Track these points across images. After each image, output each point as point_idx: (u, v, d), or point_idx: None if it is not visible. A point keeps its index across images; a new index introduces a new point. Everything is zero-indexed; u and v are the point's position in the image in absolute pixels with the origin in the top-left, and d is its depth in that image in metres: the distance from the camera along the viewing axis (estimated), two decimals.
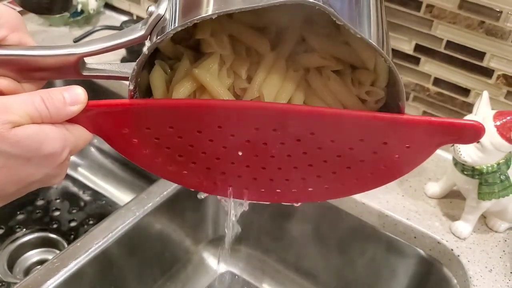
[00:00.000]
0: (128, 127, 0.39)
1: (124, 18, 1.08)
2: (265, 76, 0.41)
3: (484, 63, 0.72)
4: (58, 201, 0.98)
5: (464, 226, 0.68)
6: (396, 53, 0.79)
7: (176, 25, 0.34)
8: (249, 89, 0.40)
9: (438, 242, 0.68)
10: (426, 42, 0.76)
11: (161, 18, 0.36)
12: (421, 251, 0.70)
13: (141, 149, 0.41)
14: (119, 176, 1.03)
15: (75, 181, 1.02)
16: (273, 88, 0.40)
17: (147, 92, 0.42)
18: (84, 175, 1.04)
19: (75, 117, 0.37)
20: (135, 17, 1.07)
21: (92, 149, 1.06)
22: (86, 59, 0.40)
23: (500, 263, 0.65)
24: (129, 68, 0.39)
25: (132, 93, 0.38)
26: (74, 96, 0.36)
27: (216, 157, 0.42)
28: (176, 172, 0.43)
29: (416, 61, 0.78)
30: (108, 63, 0.41)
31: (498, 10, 0.68)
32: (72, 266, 0.64)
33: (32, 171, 0.35)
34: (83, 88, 0.37)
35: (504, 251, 0.67)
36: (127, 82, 0.38)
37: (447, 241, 0.68)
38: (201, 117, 0.38)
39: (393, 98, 0.39)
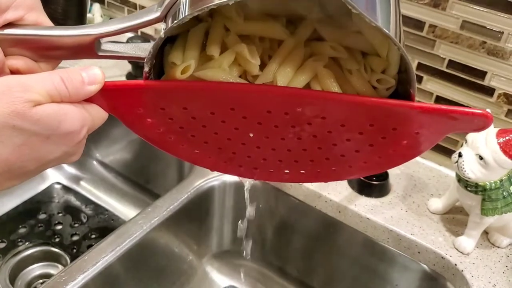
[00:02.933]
0: (143, 107, 0.40)
1: (129, 34, 1.09)
2: (281, 61, 0.41)
3: (485, 82, 0.74)
4: (60, 215, 0.98)
5: (467, 242, 0.69)
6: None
7: (192, 9, 0.34)
8: (263, 73, 0.41)
9: (442, 257, 0.69)
10: (429, 61, 0.78)
11: (176, 1, 0.36)
12: (425, 266, 0.71)
13: (155, 128, 0.42)
14: (122, 190, 1.04)
15: (77, 195, 1.03)
16: (288, 74, 0.40)
17: (161, 72, 0.43)
18: (87, 189, 1.04)
19: (92, 97, 0.37)
20: (139, 33, 1.08)
21: (95, 163, 1.06)
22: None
23: (503, 278, 0.66)
24: (143, 50, 0.40)
25: (147, 74, 0.39)
26: (92, 76, 0.37)
27: (228, 137, 0.42)
28: (188, 151, 0.44)
29: (419, 79, 0.79)
30: (123, 43, 0.42)
31: (499, 31, 0.70)
32: (80, 280, 0.65)
33: (51, 149, 0.36)
34: (100, 68, 0.37)
35: (507, 266, 0.68)
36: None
37: (450, 256, 0.69)
38: (214, 99, 0.39)
39: (404, 85, 0.40)
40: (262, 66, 0.41)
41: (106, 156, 1.06)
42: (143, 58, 0.39)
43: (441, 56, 0.76)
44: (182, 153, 0.45)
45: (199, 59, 0.42)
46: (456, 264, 0.68)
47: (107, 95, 0.38)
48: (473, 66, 0.74)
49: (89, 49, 0.40)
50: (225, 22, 0.42)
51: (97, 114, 0.38)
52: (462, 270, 0.67)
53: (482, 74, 0.74)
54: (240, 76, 0.42)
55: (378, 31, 0.35)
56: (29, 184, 1.01)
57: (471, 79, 0.75)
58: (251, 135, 0.42)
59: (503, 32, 0.70)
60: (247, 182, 0.69)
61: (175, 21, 0.36)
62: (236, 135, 0.42)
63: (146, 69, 0.38)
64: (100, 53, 0.41)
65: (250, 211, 0.70)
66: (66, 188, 1.03)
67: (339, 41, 0.41)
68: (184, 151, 0.45)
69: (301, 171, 0.46)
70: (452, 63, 0.76)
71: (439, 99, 0.79)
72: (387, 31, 0.34)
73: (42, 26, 0.40)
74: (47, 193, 1.02)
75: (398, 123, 0.39)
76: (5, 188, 0.37)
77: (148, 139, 0.43)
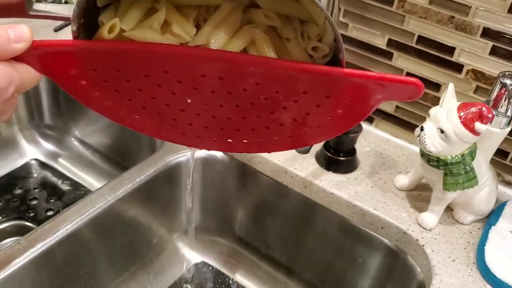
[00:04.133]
0: (75, 68, 0.40)
1: None
2: (216, 25, 0.41)
3: (454, 58, 0.74)
4: (36, 190, 0.99)
5: (430, 217, 0.69)
6: (370, 48, 0.80)
7: None
8: (197, 35, 0.41)
9: (404, 232, 0.69)
10: (399, 37, 0.77)
11: None
12: (388, 241, 0.71)
13: (90, 91, 0.41)
14: (99, 167, 1.04)
15: (54, 171, 1.03)
16: (222, 38, 0.40)
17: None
18: (64, 165, 1.04)
19: (22, 56, 0.37)
20: None
21: (73, 140, 1.06)
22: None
23: (464, 253, 0.66)
24: None
25: (76, 34, 0.38)
26: (19, 34, 0.36)
27: (166, 103, 0.42)
28: (128, 117, 0.44)
29: (389, 55, 0.79)
30: (56, 4, 0.42)
31: (467, 5, 0.69)
32: (39, 247, 0.65)
33: None
34: (28, 26, 0.37)
35: (468, 242, 0.68)
36: None
37: (413, 231, 0.69)
38: (145, 61, 0.39)
39: (336, 52, 0.40)
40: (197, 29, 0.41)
41: (84, 134, 1.06)
42: None
43: (411, 31, 0.75)
44: (123, 119, 0.45)
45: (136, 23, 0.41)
46: (417, 240, 0.68)
47: (37, 54, 0.38)
48: (442, 42, 0.74)
49: (20, 8, 0.40)
50: None
51: (27, 74, 0.38)
52: (423, 245, 0.67)
53: (451, 50, 0.73)
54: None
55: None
56: (6, 160, 1.02)
57: (440, 55, 0.74)
58: (189, 101, 0.42)
59: (470, 7, 0.69)
60: (192, 151, 0.69)
61: None
62: (174, 100, 0.42)
63: (74, 28, 0.38)
64: (32, 13, 0.41)
65: (188, 183, 0.70)
66: (43, 165, 1.04)
67: (276, 10, 0.41)
68: (125, 117, 0.45)
69: (244, 141, 0.46)
70: (421, 39, 0.75)
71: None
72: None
73: None
74: (24, 169, 1.02)
75: (330, 91, 0.39)
76: None
77: (86, 103, 0.43)
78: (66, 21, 0.41)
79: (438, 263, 0.64)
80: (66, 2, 1.03)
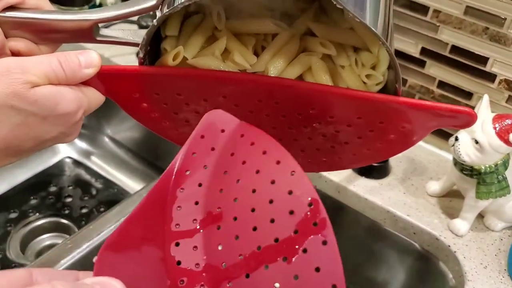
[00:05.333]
0: (139, 92, 0.41)
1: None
2: (274, 53, 0.42)
3: (487, 68, 0.75)
4: (70, 188, 1.01)
5: (461, 224, 0.71)
6: (403, 56, 0.81)
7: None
8: (256, 63, 0.42)
9: (436, 238, 0.71)
10: (432, 46, 0.78)
11: None
12: (420, 247, 0.73)
13: (150, 113, 0.43)
14: (131, 165, 1.07)
15: (87, 169, 1.06)
16: (280, 65, 0.41)
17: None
18: (97, 163, 1.07)
19: (89, 80, 0.39)
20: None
21: (105, 139, 1.09)
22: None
23: (495, 260, 0.68)
24: (140, 36, 0.41)
25: (142, 60, 0.40)
26: (89, 60, 0.38)
27: None
28: (183, 136, 0.45)
29: (422, 63, 0.80)
30: (121, 29, 0.43)
31: (502, 17, 0.71)
32: (85, 248, 0.68)
33: (48, 129, 0.38)
34: (97, 52, 0.39)
35: (499, 249, 0.69)
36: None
37: (445, 237, 0.70)
38: (205, 86, 0.40)
39: (392, 81, 0.41)
40: (256, 56, 0.42)
41: (116, 133, 1.08)
42: (138, 44, 0.40)
43: (444, 41, 0.77)
44: (177, 138, 0.47)
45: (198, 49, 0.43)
46: (449, 246, 0.69)
47: (103, 78, 0.40)
48: (475, 52, 0.75)
49: (87, 34, 0.41)
50: (213, 19, 0.43)
51: (94, 97, 0.40)
52: (455, 252, 0.69)
53: (484, 60, 0.75)
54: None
55: (367, 28, 0.35)
56: (40, 158, 1.05)
57: (473, 64, 0.76)
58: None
59: (505, 18, 0.70)
60: None
61: (168, 10, 0.37)
62: None
63: (141, 55, 0.40)
64: (98, 38, 0.42)
65: None
66: (77, 163, 1.07)
67: (330, 38, 0.42)
68: (179, 136, 0.46)
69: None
70: (455, 49, 0.76)
71: (442, 84, 0.80)
72: (369, 25, 0.35)
73: (42, 10, 0.41)
74: (58, 167, 1.05)
75: (384, 117, 0.40)
76: (2, 165, 0.38)
77: (144, 122, 0.45)
78: (131, 46, 0.43)
79: (470, 270, 0.66)
80: (100, 5, 1.06)
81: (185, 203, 0.36)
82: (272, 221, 0.32)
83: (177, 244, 0.36)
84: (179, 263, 0.36)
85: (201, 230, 0.36)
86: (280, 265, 0.31)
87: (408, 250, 0.74)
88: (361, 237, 0.78)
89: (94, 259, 0.31)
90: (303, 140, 0.44)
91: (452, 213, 0.74)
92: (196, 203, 0.36)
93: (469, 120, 0.38)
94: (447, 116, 0.38)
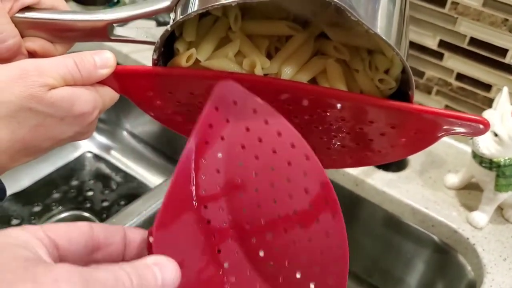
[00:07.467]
0: (152, 91, 0.42)
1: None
2: (288, 55, 0.42)
3: (506, 60, 0.75)
4: (91, 182, 1.03)
5: (480, 216, 0.71)
6: (421, 48, 0.81)
7: (200, 5, 0.36)
8: (269, 66, 0.42)
9: (455, 231, 0.71)
10: (450, 38, 0.78)
11: None
12: (438, 239, 0.73)
13: (164, 110, 0.44)
14: (150, 159, 1.08)
15: (107, 163, 1.07)
16: (293, 68, 0.42)
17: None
18: (117, 157, 1.09)
19: (104, 79, 0.39)
20: None
21: (125, 133, 1.10)
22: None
23: None
24: (152, 36, 0.42)
25: (155, 61, 0.41)
26: (104, 60, 0.39)
27: None
28: None
29: (440, 56, 0.80)
30: (136, 27, 0.44)
31: None
32: None
33: (65, 129, 0.38)
34: (112, 53, 0.40)
35: None
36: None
37: (463, 230, 0.71)
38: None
39: (405, 86, 0.41)
40: (269, 58, 0.43)
41: (135, 127, 1.10)
42: (152, 43, 0.41)
43: (462, 33, 0.76)
44: (190, 133, 0.48)
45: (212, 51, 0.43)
46: (468, 238, 0.70)
47: (118, 78, 0.40)
48: (494, 44, 0.75)
49: (102, 33, 0.42)
50: (229, 21, 0.43)
51: (108, 96, 0.40)
52: (474, 244, 0.69)
53: (503, 51, 0.74)
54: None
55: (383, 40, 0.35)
56: (62, 153, 1.06)
57: (492, 56, 0.76)
58: None
59: None
60: None
61: (181, 17, 0.38)
62: None
63: (155, 56, 0.41)
64: (113, 37, 0.43)
65: None
66: (97, 157, 1.08)
67: (345, 41, 0.42)
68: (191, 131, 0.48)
69: None
70: (473, 41, 0.76)
71: (460, 77, 0.80)
72: (383, 36, 0.35)
73: (57, 11, 0.42)
74: (79, 161, 1.07)
75: (395, 122, 0.40)
76: (20, 164, 0.39)
77: (158, 119, 0.46)
78: (145, 44, 0.44)
79: (489, 262, 0.67)
80: (118, 2, 1.07)
81: (208, 171, 0.38)
82: (290, 196, 0.36)
83: (206, 207, 0.38)
84: (209, 222, 0.38)
85: (226, 196, 0.39)
86: (297, 231, 0.37)
87: (427, 243, 0.75)
88: (379, 230, 0.79)
89: (151, 239, 0.32)
90: (315, 139, 0.44)
91: (470, 206, 0.74)
92: (218, 171, 0.38)
93: (482, 128, 0.38)
94: (461, 123, 0.38)
